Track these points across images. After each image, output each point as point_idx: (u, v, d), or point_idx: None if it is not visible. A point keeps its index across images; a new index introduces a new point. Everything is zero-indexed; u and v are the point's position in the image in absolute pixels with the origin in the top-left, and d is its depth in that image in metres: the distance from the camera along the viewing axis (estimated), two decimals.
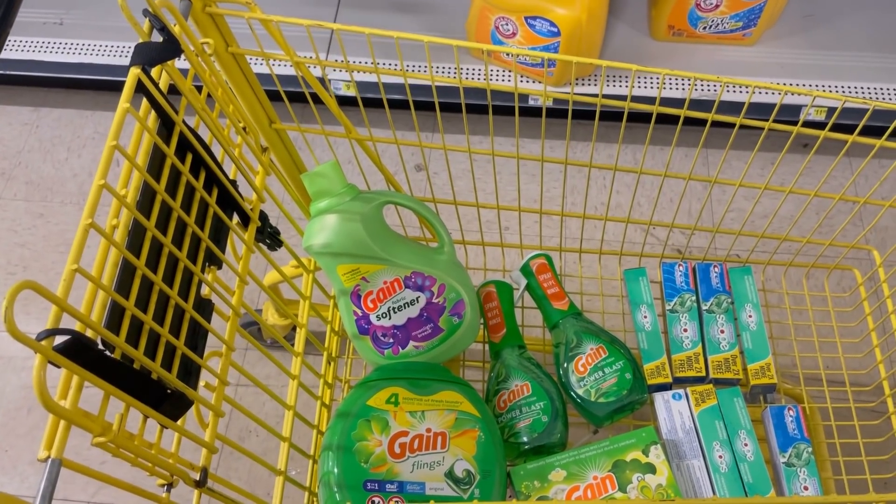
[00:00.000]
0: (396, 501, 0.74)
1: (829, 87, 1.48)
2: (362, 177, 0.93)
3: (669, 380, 0.90)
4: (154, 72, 0.61)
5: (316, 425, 0.88)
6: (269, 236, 0.80)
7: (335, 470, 0.75)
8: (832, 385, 0.95)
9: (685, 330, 0.93)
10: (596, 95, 0.74)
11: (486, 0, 1.38)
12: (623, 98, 0.84)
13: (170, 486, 0.60)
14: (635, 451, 0.81)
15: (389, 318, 0.85)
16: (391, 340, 0.86)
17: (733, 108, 1.49)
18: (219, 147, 0.73)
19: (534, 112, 1.51)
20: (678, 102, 1.45)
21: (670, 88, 1.48)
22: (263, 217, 0.80)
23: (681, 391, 0.88)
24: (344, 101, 1.45)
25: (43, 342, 0.45)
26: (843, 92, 1.47)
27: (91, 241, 0.54)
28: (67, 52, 1.55)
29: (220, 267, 0.71)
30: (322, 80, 1.32)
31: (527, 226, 1.05)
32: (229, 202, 0.73)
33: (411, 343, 0.86)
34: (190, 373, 0.64)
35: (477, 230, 0.98)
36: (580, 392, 0.87)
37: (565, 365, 0.89)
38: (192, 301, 0.65)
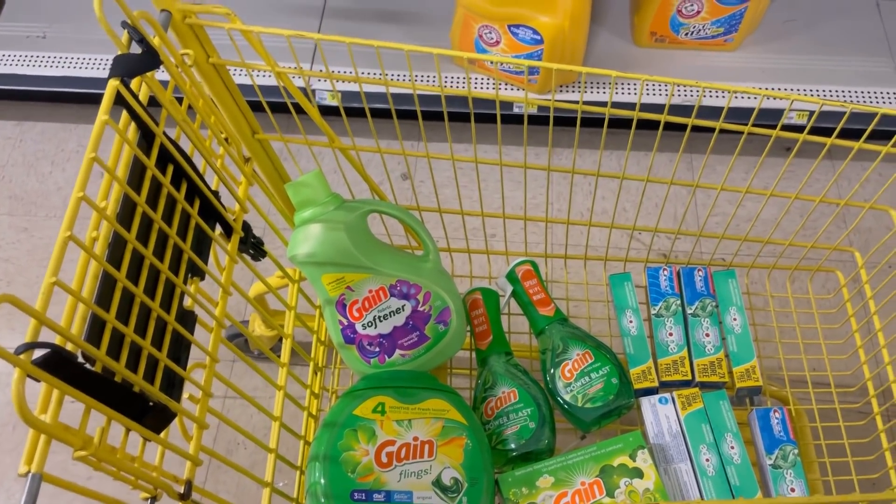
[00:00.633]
0: None
1: (810, 90, 1.49)
2: (347, 187, 0.94)
3: (656, 384, 0.90)
4: (134, 84, 0.61)
5: (303, 436, 0.87)
6: (252, 247, 0.80)
7: (322, 480, 0.75)
8: (817, 387, 0.95)
9: (670, 334, 0.93)
10: (577, 102, 0.74)
11: (470, 9, 1.39)
12: (605, 104, 0.85)
13: (153, 499, 0.60)
14: (622, 456, 0.81)
15: (375, 327, 0.85)
16: (377, 349, 0.86)
17: (714, 113, 1.51)
18: (201, 158, 0.73)
19: (518, 120, 1.52)
20: (660, 108, 1.46)
21: (652, 94, 1.49)
22: (247, 227, 0.80)
23: (667, 395, 0.88)
24: (328, 112, 1.46)
25: (21, 356, 0.45)
26: (824, 96, 1.48)
27: (73, 254, 0.54)
28: (51, 66, 1.55)
29: (202, 278, 0.70)
30: (304, 90, 1.32)
31: (512, 233, 1.05)
32: (212, 213, 0.73)
33: (397, 351, 0.86)
34: (173, 385, 0.63)
35: (462, 238, 0.98)
36: (567, 398, 0.87)
37: (552, 371, 0.89)
38: (174, 313, 0.65)
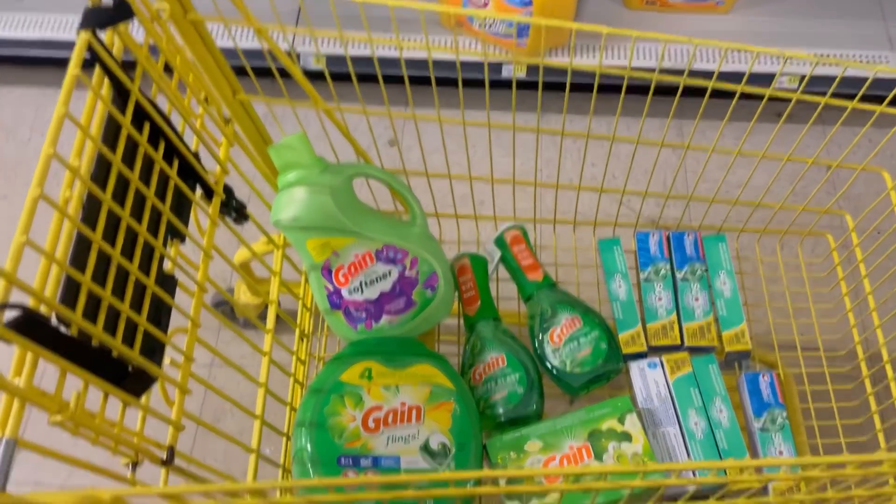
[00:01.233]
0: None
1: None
2: (332, 151, 0.92)
3: (644, 349, 0.90)
4: (108, 40, 0.59)
5: (289, 402, 0.86)
6: (234, 210, 0.78)
7: (308, 446, 0.74)
8: (806, 351, 0.95)
9: (660, 299, 0.92)
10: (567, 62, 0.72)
11: None
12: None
13: (135, 464, 0.58)
14: (611, 420, 0.81)
15: (361, 293, 0.84)
16: (364, 315, 0.84)
17: (706, 76, 1.48)
18: (180, 119, 0.71)
19: (507, 85, 1.49)
20: (651, 70, 1.44)
21: (643, 58, 1.46)
22: (228, 190, 0.78)
23: (656, 360, 0.88)
24: (313, 77, 1.42)
25: None
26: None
27: (47, 215, 0.52)
28: (28, 29, 1.50)
29: (182, 241, 0.69)
30: (289, 53, 1.29)
31: (501, 199, 1.04)
32: (191, 174, 0.71)
33: (384, 317, 0.85)
34: (154, 350, 0.62)
35: (450, 204, 0.97)
36: (555, 363, 0.86)
37: (540, 336, 0.88)
38: (153, 276, 0.63)
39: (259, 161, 0.88)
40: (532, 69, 1.42)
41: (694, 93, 0.77)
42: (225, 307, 1.24)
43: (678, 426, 0.84)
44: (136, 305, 0.61)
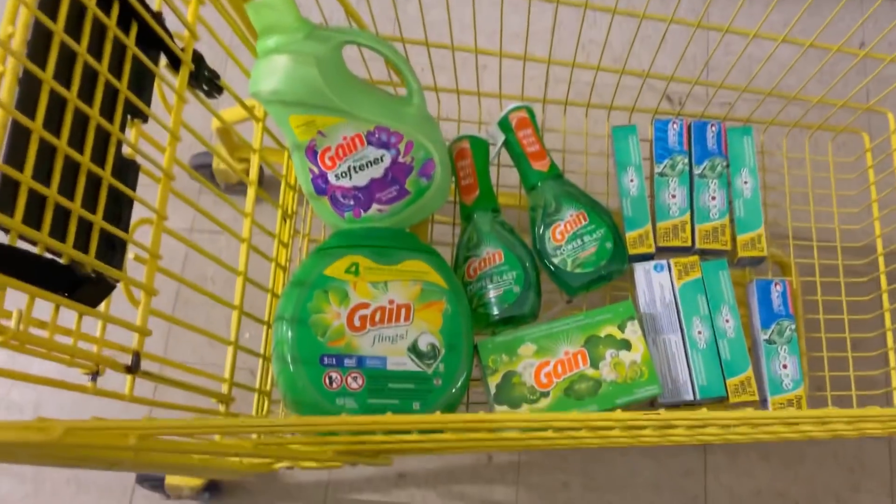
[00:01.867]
0: (355, 377, 0.70)
1: None
2: (319, 10, 0.80)
3: (652, 250, 0.84)
4: None
5: (270, 289, 0.81)
6: (206, 81, 0.69)
7: (289, 343, 0.69)
8: (823, 253, 0.89)
9: (673, 196, 0.85)
10: None
11: None
12: None
13: (95, 374, 0.54)
14: (611, 327, 0.77)
15: (350, 179, 0.76)
16: (352, 202, 0.77)
17: None
18: None
19: None
20: None
21: None
22: (198, 58, 0.68)
23: (663, 262, 0.82)
24: None
25: None
26: None
27: None
28: None
29: (145, 121, 0.60)
30: None
31: (507, 66, 0.93)
32: (153, 41, 0.61)
33: (374, 206, 0.78)
34: (114, 248, 0.55)
35: (451, 70, 0.86)
36: (556, 261, 0.80)
37: (541, 231, 0.81)
38: (110, 165, 0.55)
39: (235, 22, 0.77)
40: None
41: None
42: (205, 171, 1.16)
43: (680, 334, 0.80)
44: (91, 200, 0.53)
